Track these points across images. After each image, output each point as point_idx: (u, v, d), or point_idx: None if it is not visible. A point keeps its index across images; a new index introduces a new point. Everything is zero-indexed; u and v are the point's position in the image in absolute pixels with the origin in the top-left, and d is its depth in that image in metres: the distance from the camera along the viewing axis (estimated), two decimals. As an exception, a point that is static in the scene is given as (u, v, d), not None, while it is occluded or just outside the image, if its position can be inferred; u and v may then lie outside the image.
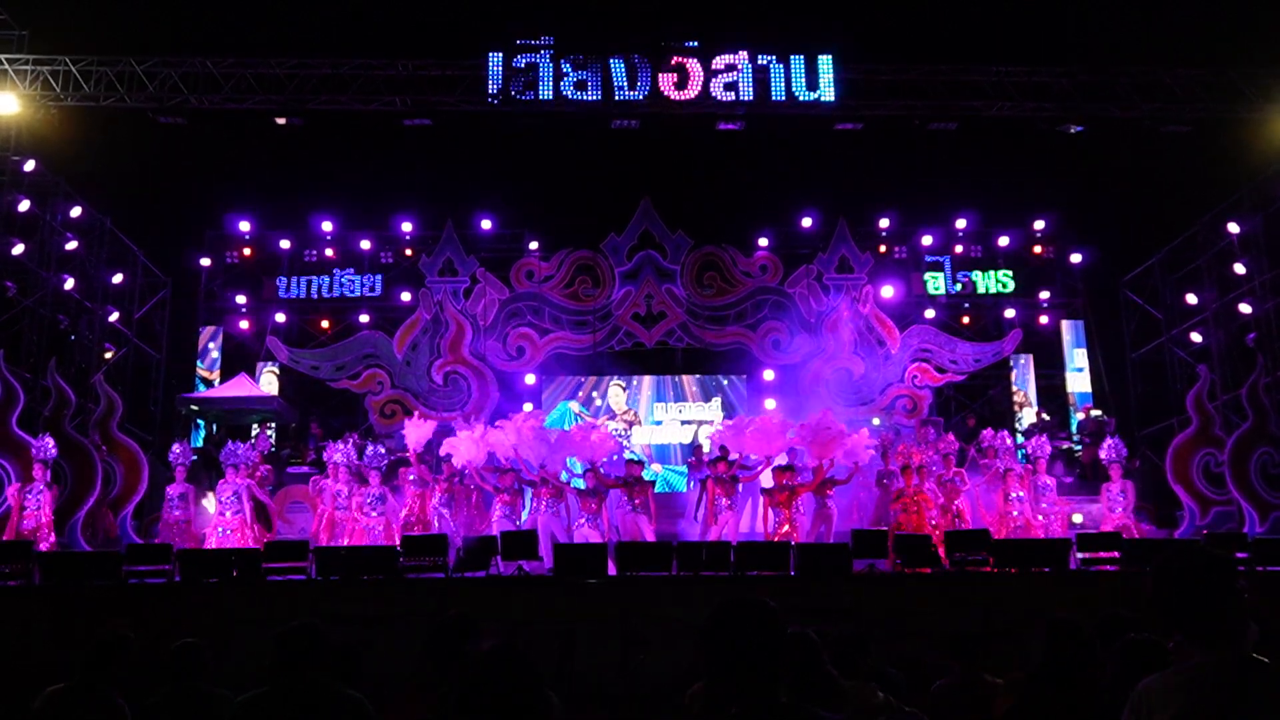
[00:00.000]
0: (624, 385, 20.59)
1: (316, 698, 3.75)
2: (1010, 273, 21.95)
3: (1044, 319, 21.87)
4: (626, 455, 15.49)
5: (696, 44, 17.02)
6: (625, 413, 20.04)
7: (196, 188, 21.67)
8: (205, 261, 21.47)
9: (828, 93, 16.82)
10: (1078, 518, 15.66)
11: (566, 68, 16.81)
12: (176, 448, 14.95)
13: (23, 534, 13.09)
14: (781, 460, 14.77)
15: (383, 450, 15.19)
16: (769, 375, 20.78)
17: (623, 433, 17.28)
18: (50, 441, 13.96)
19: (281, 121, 16.96)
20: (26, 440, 14.11)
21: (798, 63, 16.88)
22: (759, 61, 16.92)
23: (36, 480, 13.53)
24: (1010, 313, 21.60)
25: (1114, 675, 3.95)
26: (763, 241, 21.55)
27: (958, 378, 21.30)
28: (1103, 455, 14.91)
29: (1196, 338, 19.99)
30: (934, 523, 13.86)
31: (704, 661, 2.58)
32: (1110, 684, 3.97)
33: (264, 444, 18.67)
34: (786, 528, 13.68)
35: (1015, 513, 14.34)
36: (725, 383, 20.76)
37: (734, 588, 11.24)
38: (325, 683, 3.80)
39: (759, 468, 14.77)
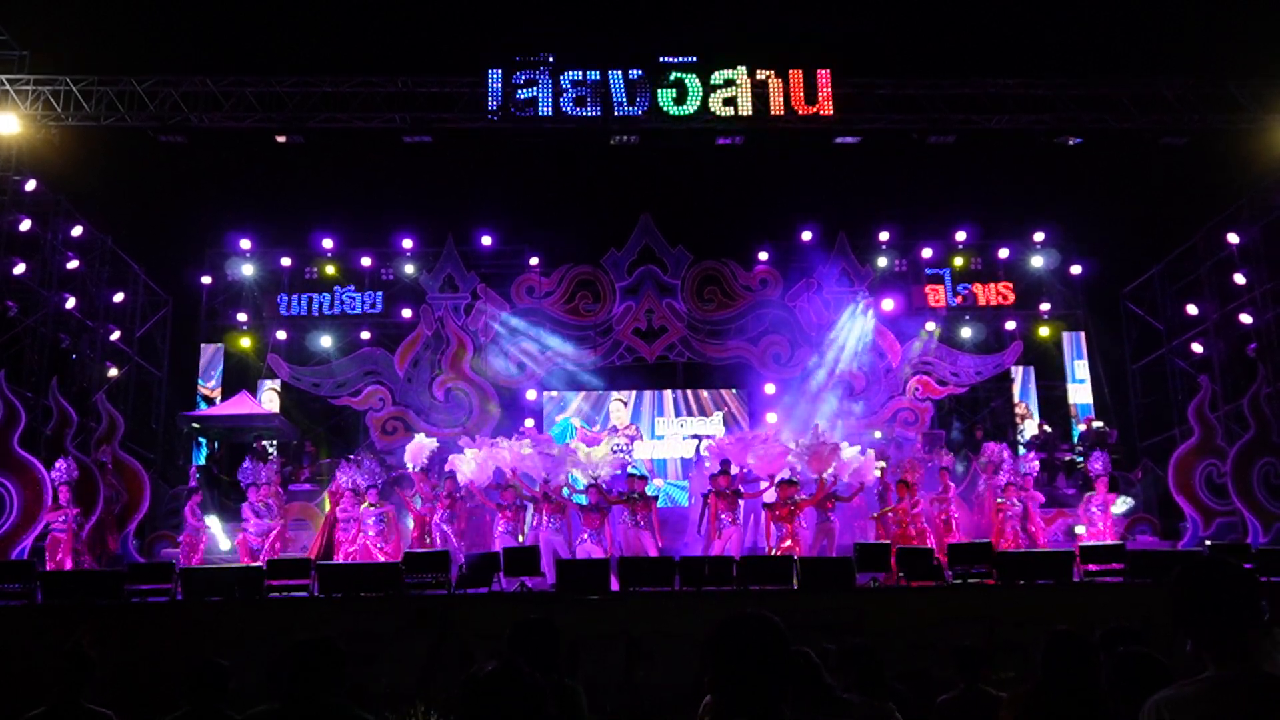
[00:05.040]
0: (625, 400, 20.61)
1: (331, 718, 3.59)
2: (1010, 284, 21.97)
3: (1044, 331, 21.88)
4: (629, 470, 15.47)
5: (695, 59, 17.06)
6: (627, 427, 20.03)
7: (197, 206, 21.69)
8: (206, 279, 21.49)
9: (826, 107, 16.84)
10: (1080, 529, 15.65)
11: (566, 84, 16.83)
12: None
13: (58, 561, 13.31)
14: (785, 474, 14.78)
15: (377, 467, 15.26)
16: (770, 389, 20.77)
17: (624, 447, 17.28)
18: (72, 464, 14.07)
19: (282, 139, 16.98)
20: (29, 460, 14.13)
21: (796, 77, 16.91)
22: (757, 76, 16.95)
23: (64, 504, 13.66)
24: (1011, 324, 21.61)
25: (1107, 688, 3.95)
26: (763, 255, 21.57)
27: (959, 390, 21.30)
28: (1097, 467, 14.98)
29: (1197, 348, 19.96)
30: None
31: (708, 677, 2.58)
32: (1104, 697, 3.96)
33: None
34: (789, 542, 13.68)
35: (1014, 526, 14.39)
36: (726, 396, 20.79)
37: (737, 602, 11.23)
38: (341, 704, 3.63)
39: (764, 487, 14.78)
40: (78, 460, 14.78)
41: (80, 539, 13.82)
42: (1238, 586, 2.74)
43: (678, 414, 20.59)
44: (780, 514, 13.93)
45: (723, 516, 14.16)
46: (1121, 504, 15.55)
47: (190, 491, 15.62)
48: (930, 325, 21.23)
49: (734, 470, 14.89)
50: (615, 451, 15.56)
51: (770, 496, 14.44)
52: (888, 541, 13.67)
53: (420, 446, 15.90)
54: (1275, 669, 2.71)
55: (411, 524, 15.15)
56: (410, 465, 15.77)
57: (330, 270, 21.69)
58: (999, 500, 14.99)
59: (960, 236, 21.92)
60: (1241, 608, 2.71)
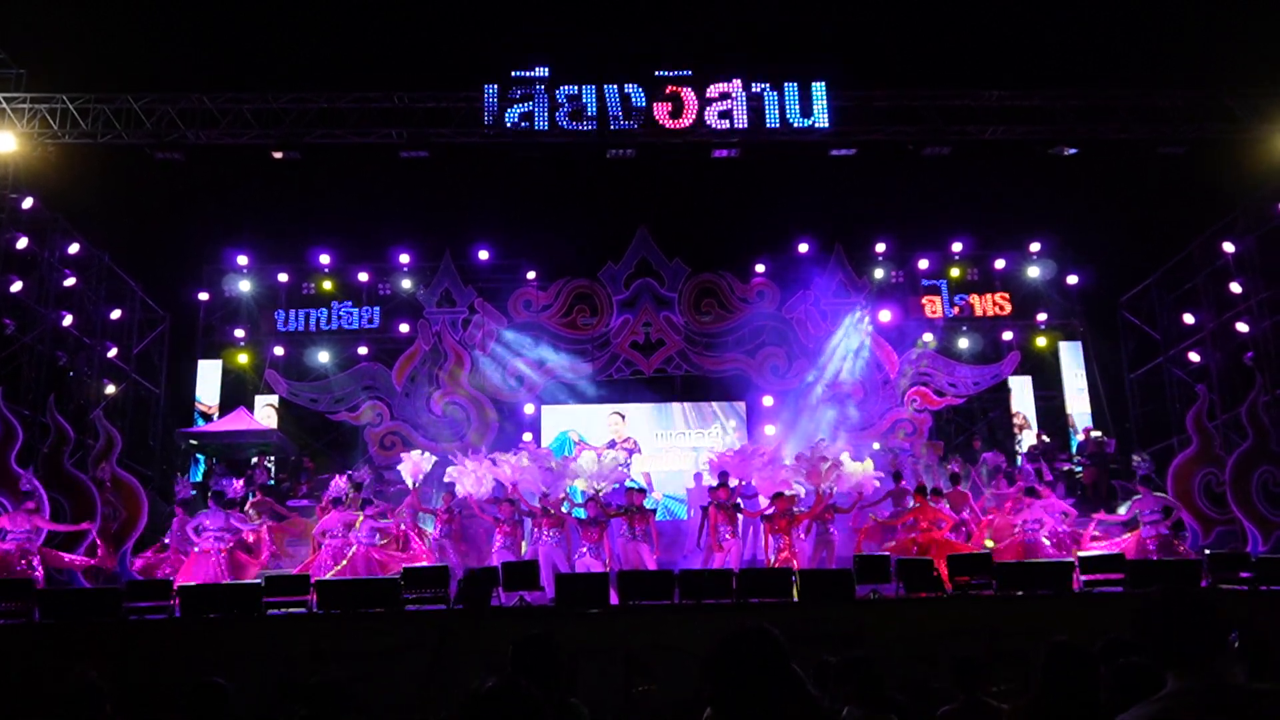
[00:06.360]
0: (623, 413, 20.57)
1: None
2: (1007, 295, 22.00)
3: (1042, 341, 21.90)
4: (627, 484, 15.44)
5: (690, 73, 17.07)
6: (624, 440, 19.99)
7: (194, 222, 21.74)
8: (203, 296, 21.51)
9: (822, 119, 16.83)
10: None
11: (561, 98, 16.83)
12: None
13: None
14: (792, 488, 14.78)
15: (365, 478, 15.26)
16: (768, 401, 20.77)
17: (622, 461, 17.25)
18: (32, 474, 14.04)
19: (278, 155, 16.96)
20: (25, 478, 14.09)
21: (791, 90, 16.89)
22: (753, 89, 16.94)
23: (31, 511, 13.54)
24: (1008, 335, 21.62)
25: (1107, 700, 3.94)
26: (760, 268, 21.62)
27: (957, 401, 21.30)
28: (1143, 469, 15.03)
29: (1195, 357, 20.00)
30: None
31: (708, 691, 2.57)
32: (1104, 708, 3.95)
33: (261, 477, 18.68)
34: (787, 554, 13.65)
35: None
36: (723, 409, 20.76)
37: (736, 615, 11.20)
38: None
39: (764, 504, 14.74)
40: (72, 477, 14.65)
41: (31, 551, 13.48)
42: (1195, 609, 2.78)
43: (675, 427, 20.56)
44: (779, 526, 13.91)
45: (722, 529, 14.13)
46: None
47: (183, 507, 15.54)
48: (927, 336, 21.25)
49: (733, 483, 14.88)
50: (614, 465, 15.53)
51: (770, 509, 14.42)
52: (887, 553, 13.62)
53: (417, 462, 15.87)
54: (1234, 680, 2.72)
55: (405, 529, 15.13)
56: (408, 481, 15.74)
57: (327, 285, 21.74)
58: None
59: (957, 247, 21.98)
60: (1204, 633, 2.73)
